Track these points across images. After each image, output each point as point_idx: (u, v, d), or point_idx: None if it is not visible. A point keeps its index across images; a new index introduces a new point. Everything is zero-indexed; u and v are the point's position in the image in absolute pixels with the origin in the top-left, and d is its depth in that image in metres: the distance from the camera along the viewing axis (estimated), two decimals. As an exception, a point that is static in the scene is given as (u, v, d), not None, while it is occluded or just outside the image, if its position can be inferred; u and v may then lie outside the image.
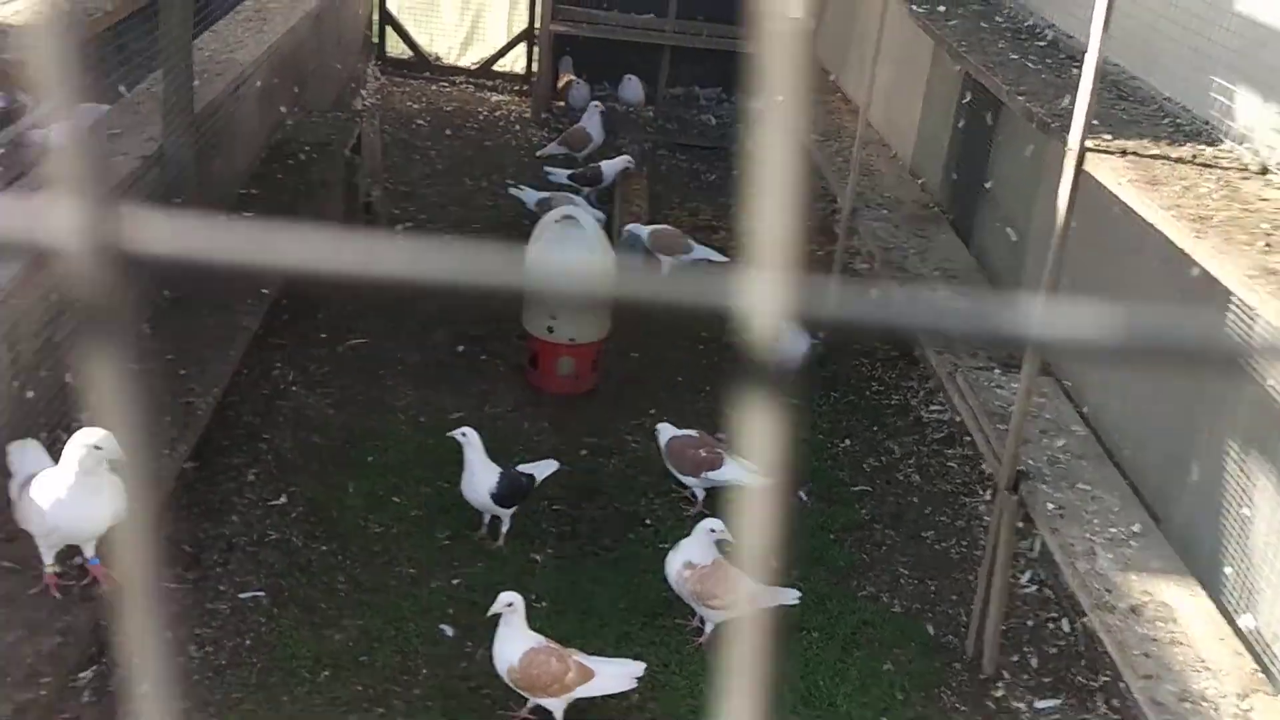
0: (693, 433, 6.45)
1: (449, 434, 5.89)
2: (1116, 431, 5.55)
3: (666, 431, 6.41)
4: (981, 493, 6.91)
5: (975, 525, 6.64)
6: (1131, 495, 5.15)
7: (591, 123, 11.25)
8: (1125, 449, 5.42)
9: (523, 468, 6.03)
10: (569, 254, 7.08)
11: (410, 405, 7.09)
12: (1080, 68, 5.83)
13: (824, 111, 10.63)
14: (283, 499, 6.05)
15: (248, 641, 5.08)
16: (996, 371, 6.04)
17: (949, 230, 7.91)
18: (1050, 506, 4.88)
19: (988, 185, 7.58)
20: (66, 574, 4.28)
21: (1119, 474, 5.29)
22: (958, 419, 7.58)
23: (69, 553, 4.31)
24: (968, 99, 7.81)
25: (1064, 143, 4.33)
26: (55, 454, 4.52)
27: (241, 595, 5.34)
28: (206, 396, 5.49)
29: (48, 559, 4.20)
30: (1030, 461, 5.15)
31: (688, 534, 6.15)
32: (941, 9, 7.03)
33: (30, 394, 4.65)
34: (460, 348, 7.84)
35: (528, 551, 5.95)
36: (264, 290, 6.50)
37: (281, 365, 7.27)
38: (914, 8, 7.06)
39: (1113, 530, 4.81)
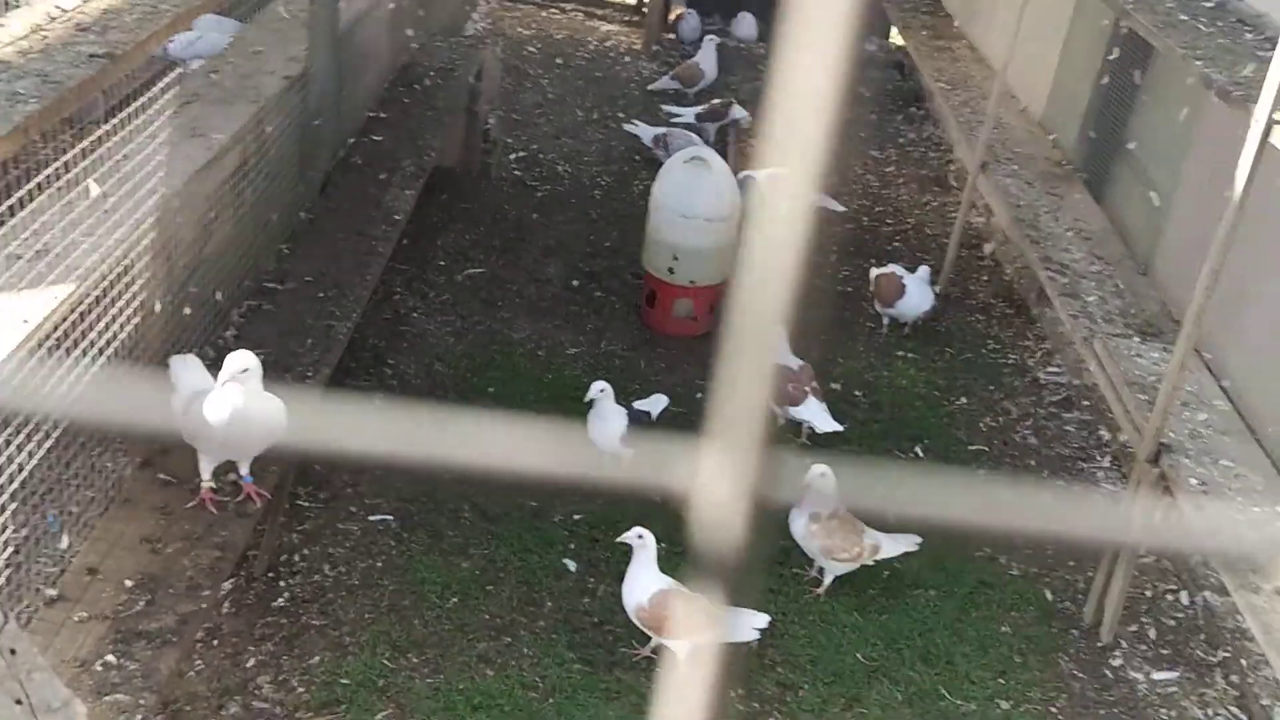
0: (794, 365, 6.41)
1: (587, 399, 5.81)
2: (1260, 408, 5.42)
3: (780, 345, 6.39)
4: (1100, 459, 6.82)
5: (1093, 492, 6.56)
6: (1275, 474, 5.04)
7: (706, 58, 11.12)
8: (1270, 426, 5.30)
9: (637, 404, 6.06)
10: (697, 196, 7.03)
11: (528, 339, 7.14)
12: (1253, 33, 5.62)
13: (950, 59, 10.37)
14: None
15: (379, 564, 5.19)
16: (1136, 340, 5.91)
17: (1082, 189, 7.71)
18: (1193, 481, 4.80)
19: (1131, 146, 7.37)
20: (221, 490, 4.39)
21: (1262, 452, 5.18)
22: (1076, 382, 7.47)
23: (223, 469, 4.41)
24: (1114, 55, 7.57)
25: (1248, 112, 4.18)
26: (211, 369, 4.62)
27: (371, 518, 5.45)
28: (345, 321, 5.56)
29: (206, 474, 4.30)
30: (1171, 434, 5.06)
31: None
32: (1099, -39, 6.79)
33: (187, 311, 4.74)
34: (575, 282, 7.86)
35: (646, 492, 5.98)
36: (397, 216, 6.54)
37: (402, 291, 7.34)
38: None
39: (1256, 509, 4.72)
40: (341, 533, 5.31)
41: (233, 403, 4.04)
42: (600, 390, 5.83)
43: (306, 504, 5.41)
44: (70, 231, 4.12)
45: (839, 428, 6.34)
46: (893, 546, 5.45)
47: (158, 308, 4.41)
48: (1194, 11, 6.20)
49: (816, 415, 6.32)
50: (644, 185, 9.48)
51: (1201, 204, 6.57)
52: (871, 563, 5.44)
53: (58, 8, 3.16)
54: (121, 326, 4.14)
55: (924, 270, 7.61)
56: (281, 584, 4.96)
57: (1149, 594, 5.85)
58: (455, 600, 5.07)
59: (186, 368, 4.36)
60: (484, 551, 5.38)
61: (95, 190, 3.78)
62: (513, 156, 9.59)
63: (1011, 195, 7.62)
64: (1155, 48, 7.09)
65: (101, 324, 4.09)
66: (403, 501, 5.59)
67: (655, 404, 6.04)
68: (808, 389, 6.35)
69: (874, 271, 7.90)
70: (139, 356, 4.32)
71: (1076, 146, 8.19)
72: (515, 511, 5.68)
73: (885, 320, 7.76)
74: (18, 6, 3.20)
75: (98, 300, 4.15)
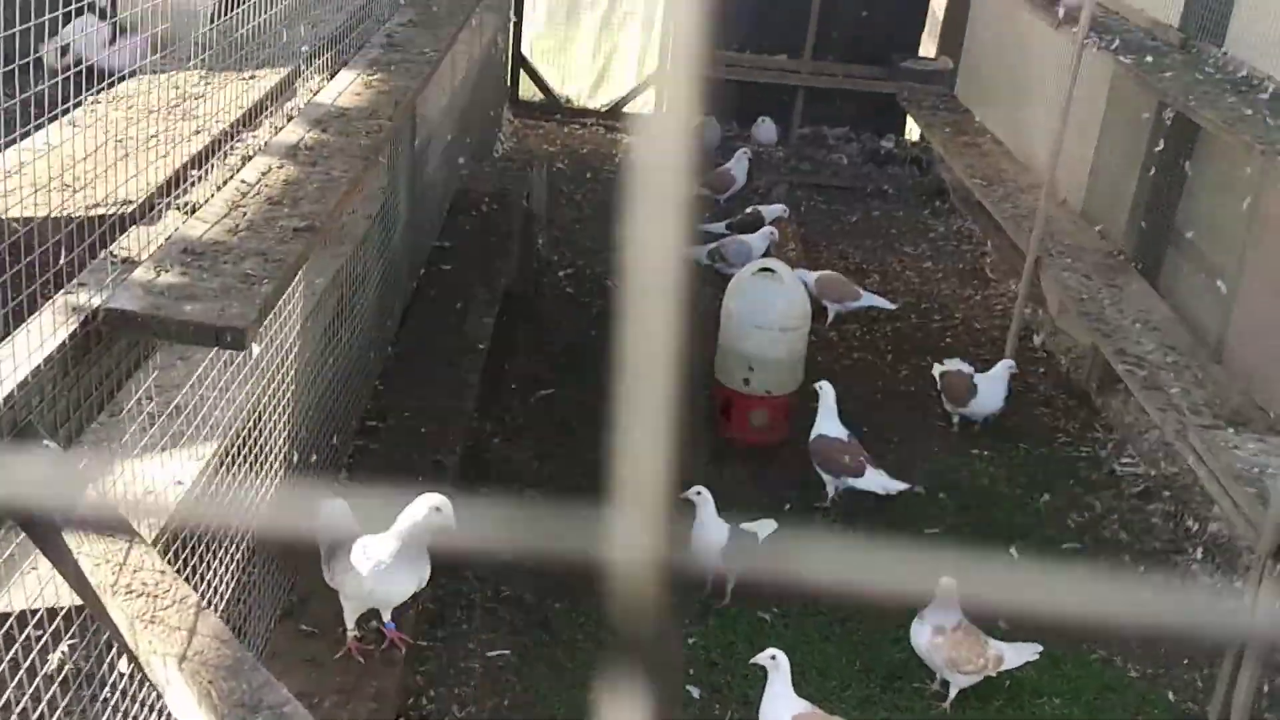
0: (844, 436, 6.73)
1: (682, 496, 5.91)
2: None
3: (826, 401, 6.73)
4: (1191, 551, 6.82)
5: (1193, 586, 6.54)
6: (1401, 564, 5.03)
7: (738, 166, 11.31)
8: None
9: (744, 525, 6.04)
10: (770, 306, 7.11)
11: (609, 458, 7.13)
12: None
13: (978, 154, 10.58)
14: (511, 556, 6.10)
15: (506, 701, 5.13)
16: (1230, 431, 5.96)
17: (1139, 279, 7.82)
18: (1323, 577, 4.79)
19: (1189, 235, 7.50)
20: (364, 638, 4.35)
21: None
22: (1153, 473, 7.49)
23: (365, 617, 4.38)
24: (1161, 147, 7.73)
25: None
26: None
27: (490, 654, 5.39)
28: (451, 455, 5.57)
29: (350, 623, 4.27)
30: (1291, 528, 5.06)
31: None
32: (1149, 60, 6.99)
33: (314, 457, 4.75)
34: (644, 397, 7.88)
35: (754, 610, 5.95)
36: (481, 345, 6.59)
37: (479, 417, 7.34)
38: (1121, 59, 7.03)
39: (1391, 601, 4.71)
40: (464, 671, 5.25)
41: (384, 552, 4.04)
42: (696, 493, 5.84)
43: (425, 643, 5.35)
44: (198, 388, 4.14)
45: (906, 486, 6.60)
46: (1016, 656, 5.42)
47: (295, 458, 4.42)
48: (1254, 105, 6.36)
49: (880, 483, 6.57)
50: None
51: (1271, 290, 6.67)
52: (995, 674, 5.40)
53: (243, 181, 3.23)
54: (270, 481, 4.14)
55: (1002, 367, 7.63)
56: (414, 729, 4.89)
57: (1265, 689, 5.80)
58: (588, 735, 5.00)
59: (334, 513, 4.35)
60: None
61: (256, 350, 3.81)
62: (561, 274, 9.70)
63: (1071, 289, 7.72)
64: (1201, 139, 7.27)
65: (247, 479, 4.09)
66: (517, 635, 5.54)
67: (763, 528, 6.02)
68: (863, 458, 6.62)
69: (938, 370, 7.95)
70: (282, 510, 4.31)
71: (1126, 237, 8.32)
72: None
73: (955, 419, 7.80)
74: (199, 180, 3.26)
75: (234, 456, 4.16)
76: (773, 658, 4.86)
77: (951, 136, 11.27)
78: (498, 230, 8.07)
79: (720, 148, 12.93)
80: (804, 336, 7.36)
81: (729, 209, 10.98)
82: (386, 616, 4.38)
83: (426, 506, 4.00)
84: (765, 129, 13.09)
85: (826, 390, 6.83)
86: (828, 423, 6.78)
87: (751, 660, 4.98)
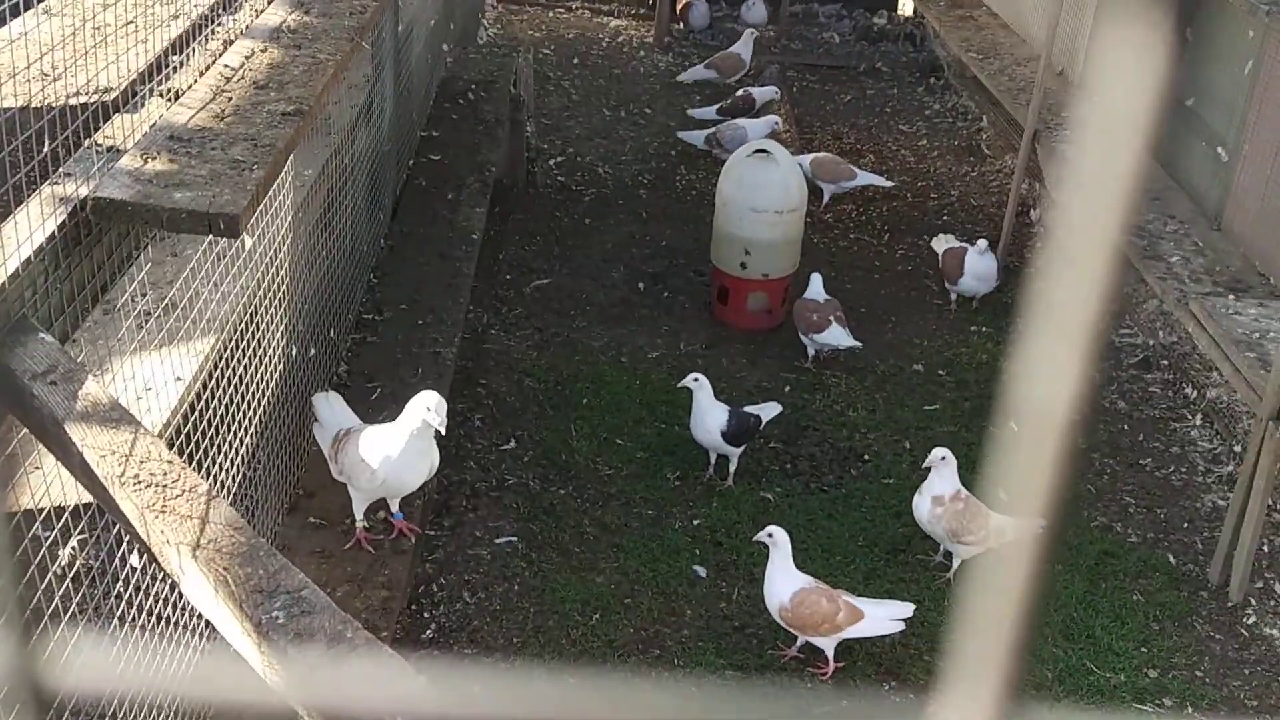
0: (821, 299, 6.97)
1: (680, 384, 5.92)
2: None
3: (813, 285, 7.02)
4: (1191, 418, 6.85)
5: (1191, 451, 6.58)
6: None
7: (745, 49, 11.08)
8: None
9: (748, 409, 6.05)
10: (766, 189, 7.02)
11: (607, 346, 7.12)
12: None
13: (974, 28, 10.37)
14: (512, 443, 6.12)
15: (515, 587, 5.18)
16: (1231, 298, 5.94)
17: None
18: (1323, 438, 4.82)
19: (1188, 103, 7.38)
20: (373, 528, 4.37)
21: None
22: (1151, 342, 7.49)
23: (372, 508, 4.40)
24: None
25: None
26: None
27: (498, 540, 5.43)
28: (450, 347, 5.54)
29: (359, 514, 4.29)
30: (1290, 392, 5.07)
31: (902, 467, 6.21)
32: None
33: (312, 351, 4.71)
34: (641, 285, 7.84)
35: (757, 490, 5.99)
36: (474, 235, 6.51)
37: (475, 308, 7.29)
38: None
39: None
40: (473, 558, 5.29)
41: (393, 444, 4.03)
42: (694, 380, 5.85)
43: (433, 532, 5.39)
44: (191, 282, 4.09)
45: (857, 345, 6.82)
46: (1017, 528, 5.45)
47: (294, 352, 4.38)
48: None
49: (838, 338, 6.80)
50: (686, 180, 9.47)
51: (1271, 156, 6.59)
52: (997, 546, 5.45)
53: (227, 66, 3.12)
54: (269, 375, 4.11)
55: (982, 243, 7.60)
56: (426, 615, 4.94)
57: (1265, 548, 5.87)
58: (597, 617, 5.07)
59: (329, 405, 4.34)
60: (614, 565, 5.37)
61: (249, 242, 3.74)
62: (552, 162, 9.55)
63: (1069, 161, 7.62)
64: (1202, 2, 7.10)
65: (247, 373, 4.06)
66: (524, 521, 5.57)
67: (767, 410, 6.03)
68: (831, 317, 6.82)
69: (941, 247, 7.90)
70: (284, 404, 4.29)
71: (1126, 107, 8.19)
72: (635, 522, 5.67)
73: (953, 296, 7.77)
74: (180, 62, 3.16)
75: (232, 352, 4.12)
76: (770, 535, 4.90)
77: (946, 10, 11.03)
78: (485, 119, 7.93)
79: (710, 29, 12.70)
80: (801, 219, 7.28)
81: (720, 93, 10.80)
82: (395, 507, 4.39)
83: (421, 408, 3.97)
84: (755, 9, 12.80)
85: (814, 278, 7.02)
86: (812, 289, 6.97)
87: (754, 539, 5.03)
